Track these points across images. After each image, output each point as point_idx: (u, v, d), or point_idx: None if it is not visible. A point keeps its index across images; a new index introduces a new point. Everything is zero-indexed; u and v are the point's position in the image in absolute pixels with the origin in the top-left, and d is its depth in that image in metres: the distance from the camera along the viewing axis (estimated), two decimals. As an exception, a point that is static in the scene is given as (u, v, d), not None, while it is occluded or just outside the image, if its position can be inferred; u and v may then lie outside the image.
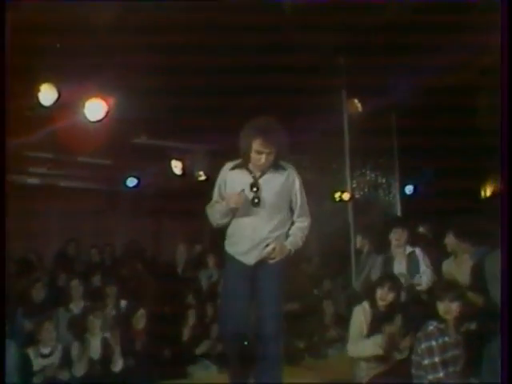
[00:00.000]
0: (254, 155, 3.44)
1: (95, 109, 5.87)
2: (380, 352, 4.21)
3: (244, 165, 3.55)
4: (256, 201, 3.51)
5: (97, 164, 7.95)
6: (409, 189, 8.10)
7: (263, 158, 3.42)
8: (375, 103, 5.64)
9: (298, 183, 3.65)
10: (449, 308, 3.85)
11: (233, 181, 3.57)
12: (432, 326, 3.89)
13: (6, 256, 3.44)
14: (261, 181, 3.52)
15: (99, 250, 7.47)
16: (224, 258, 3.70)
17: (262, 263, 3.58)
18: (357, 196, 5.32)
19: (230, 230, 3.66)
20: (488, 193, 8.50)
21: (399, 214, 5.63)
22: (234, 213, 3.55)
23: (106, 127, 6.14)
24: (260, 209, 3.52)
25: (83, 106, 5.82)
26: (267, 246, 3.55)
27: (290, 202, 3.64)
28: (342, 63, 5.37)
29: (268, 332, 3.61)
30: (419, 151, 6.73)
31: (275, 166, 3.55)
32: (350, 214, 5.22)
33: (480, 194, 8.47)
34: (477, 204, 7.76)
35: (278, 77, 5.47)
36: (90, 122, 5.92)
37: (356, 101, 5.55)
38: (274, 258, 3.54)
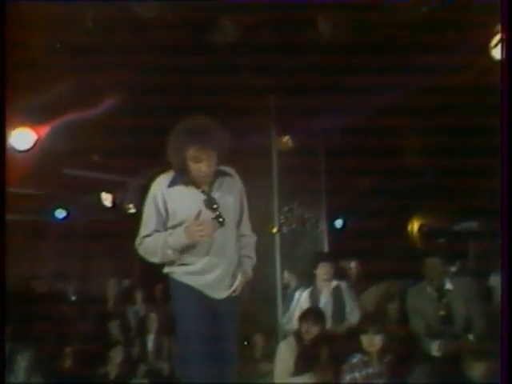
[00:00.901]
0: (192, 165, 2.81)
1: (23, 138, 5.72)
2: None
3: (185, 179, 2.89)
4: (221, 220, 2.88)
5: (24, 194, 7.70)
6: (339, 223, 8.31)
7: (203, 165, 2.80)
8: (304, 141, 5.79)
9: (243, 190, 3.09)
10: (372, 341, 3.96)
11: (179, 201, 2.88)
12: (356, 359, 4.00)
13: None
14: (213, 195, 2.92)
15: (25, 284, 7.19)
16: (172, 292, 2.99)
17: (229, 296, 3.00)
18: (285, 231, 5.39)
19: (186, 258, 2.94)
20: (414, 229, 8.83)
21: (327, 248, 5.75)
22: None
23: (35, 157, 5.98)
24: (223, 229, 2.90)
25: (10, 136, 5.66)
26: (233, 275, 2.99)
27: (237, 214, 3.05)
28: (273, 101, 5.50)
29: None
30: (348, 187, 6.95)
31: (221, 174, 2.98)
32: (277, 248, 5.28)
33: (406, 230, 8.79)
34: (403, 241, 8.05)
35: (209, 114, 5.53)
36: (18, 151, 5.76)
37: (286, 138, 5.69)
38: (236, 290, 3.00)
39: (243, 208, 3.08)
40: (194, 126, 2.84)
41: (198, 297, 2.94)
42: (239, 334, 3.15)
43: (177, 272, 2.97)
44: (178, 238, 2.81)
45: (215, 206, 2.88)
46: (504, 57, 2.60)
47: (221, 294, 2.97)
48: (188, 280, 2.94)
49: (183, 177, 2.88)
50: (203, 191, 2.90)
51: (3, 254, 3.22)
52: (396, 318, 4.73)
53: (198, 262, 2.92)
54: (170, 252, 2.85)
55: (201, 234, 2.75)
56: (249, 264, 3.10)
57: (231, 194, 2.98)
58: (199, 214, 2.77)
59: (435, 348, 4.32)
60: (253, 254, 3.13)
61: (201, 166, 2.80)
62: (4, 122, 3.64)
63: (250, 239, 3.14)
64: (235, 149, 2.92)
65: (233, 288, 2.99)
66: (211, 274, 2.92)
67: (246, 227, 3.12)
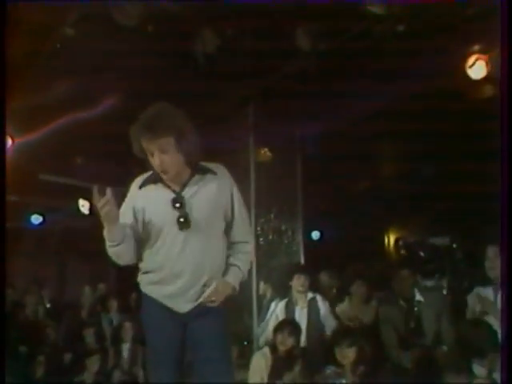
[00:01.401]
0: (150, 159, 2.54)
1: (-2, 143, 5.66)
2: None
3: (155, 178, 2.61)
4: (182, 220, 2.55)
5: (0, 199, 7.62)
6: (315, 234, 8.35)
7: (157, 159, 2.50)
8: (282, 151, 5.82)
9: (234, 190, 2.71)
10: (345, 353, 4.00)
11: (146, 201, 2.62)
12: (329, 370, 4.04)
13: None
14: (184, 194, 2.59)
15: (-1, 291, 7.08)
16: (141, 303, 2.76)
17: (198, 310, 2.62)
18: (261, 242, 5.40)
19: (148, 264, 2.66)
20: (391, 239, 8.92)
21: (303, 260, 5.77)
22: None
23: (12, 162, 5.92)
24: (190, 232, 2.57)
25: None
26: (205, 285, 2.61)
27: (226, 217, 2.69)
28: (251, 112, 5.52)
29: None
30: (325, 198, 7.00)
31: (199, 171, 2.63)
32: (253, 260, 5.28)
33: (383, 240, 8.88)
34: (379, 250, 8.13)
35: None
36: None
37: (265, 149, 5.72)
38: (214, 302, 2.61)
39: (234, 210, 2.70)
40: (145, 115, 2.55)
41: (162, 310, 2.66)
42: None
43: (142, 281, 2.73)
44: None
45: (178, 205, 2.55)
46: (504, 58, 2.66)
47: (183, 306, 2.63)
48: (149, 290, 2.70)
49: (154, 175, 2.61)
50: (174, 190, 2.60)
51: (3, 255, 3.18)
52: (369, 330, 4.76)
53: (161, 270, 2.62)
54: (107, 245, 2.54)
55: (100, 207, 2.40)
56: (234, 274, 2.70)
57: (209, 193, 2.61)
58: (99, 190, 2.39)
59: (406, 359, 4.37)
60: (242, 263, 2.74)
61: (155, 160, 2.50)
62: (4, 121, 3.59)
63: (243, 247, 2.76)
64: (212, 151, 2.82)
65: (199, 300, 2.61)
66: (173, 283, 2.60)
67: (240, 233, 2.74)
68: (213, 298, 2.61)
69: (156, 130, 2.47)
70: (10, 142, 5.76)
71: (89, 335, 6.14)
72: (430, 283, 6.16)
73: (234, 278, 2.70)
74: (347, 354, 4.01)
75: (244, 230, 2.78)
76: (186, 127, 2.54)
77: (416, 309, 4.59)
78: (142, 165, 2.63)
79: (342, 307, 5.42)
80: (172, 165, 2.52)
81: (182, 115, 2.57)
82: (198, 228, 2.58)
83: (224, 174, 2.71)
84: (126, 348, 5.96)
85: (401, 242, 8.47)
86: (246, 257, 2.78)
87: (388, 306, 4.77)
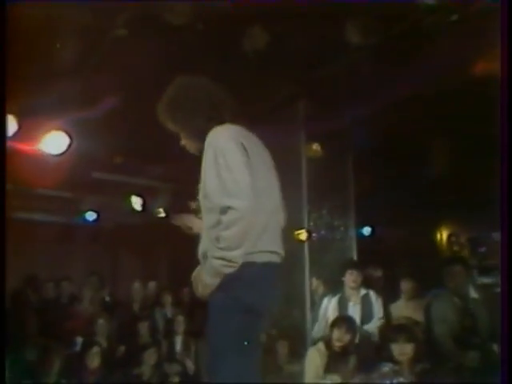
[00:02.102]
0: None
1: (56, 142, 5.82)
2: None
3: None
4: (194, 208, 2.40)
5: (56, 197, 7.85)
6: (367, 230, 8.26)
7: (183, 141, 2.48)
8: (334, 147, 5.78)
9: (210, 151, 2.26)
10: (403, 350, 3.93)
11: None
12: (387, 367, 3.98)
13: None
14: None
15: (56, 285, 7.31)
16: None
17: None
18: (314, 237, 5.38)
19: None
20: (443, 236, 8.73)
21: (355, 256, 5.72)
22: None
23: (67, 160, 6.09)
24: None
25: (44, 139, 5.77)
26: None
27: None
28: (302, 107, 5.51)
29: None
30: (377, 194, 6.91)
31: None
32: (305, 255, 5.28)
33: (435, 237, 8.70)
34: (431, 247, 7.98)
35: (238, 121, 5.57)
36: (51, 154, 5.87)
37: (316, 144, 5.68)
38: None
39: (208, 179, 2.25)
40: (165, 96, 2.48)
41: None
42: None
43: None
44: None
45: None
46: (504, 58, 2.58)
47: None
48: None
49: None
50: None
51: (3, 254, 3.28)
52: (425, 327, 4.68)
53: None
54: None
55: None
56: (207, 266, 2.23)
57: (205, 163, 2.27)
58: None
59: (462, 358, 4.27)
60: (219, 252, 2.15)
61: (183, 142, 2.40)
62: (4, 121, 3.69)
63: (222, 224, 2.15)
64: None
65: None
66: None
67: (221, 203, 2.17)
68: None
69: (171, 114, 2.41)
70: (67, 140, 5.89)
71: (143, 328, 6.27)
72: (487, 280, 6.01)
73: (206, 274, 2.21)
74: (404, 350, 3.94)
75: (227, 197, 2.14)
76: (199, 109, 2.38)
77: (471, 306, 4.48)
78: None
79: (395, 304, 5.37)
80: (192, 145, 2.46)
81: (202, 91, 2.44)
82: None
83: (209, 137, 2.32)
84: (178, 341, 6.09)
85: (453, 238, 8.27)
86: (224, 241, 2.13)
87: (442, 304, 4.67)
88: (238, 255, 2.13)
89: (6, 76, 3.30)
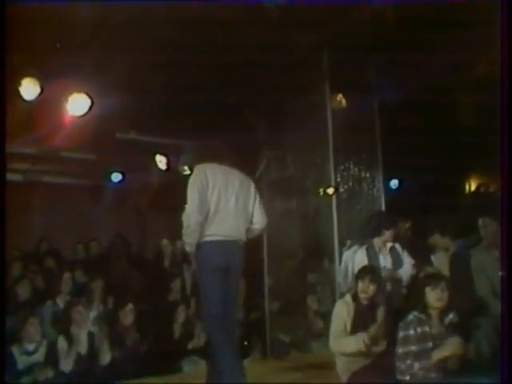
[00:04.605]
0: None
1: (79, 104, 5.80)
2: (363, 349, 4.23)
3: None
4: None
5: (81, 159, 7.88)
6: (394, 183, 8.17)
7: None
8: (359, 98, 5.66)
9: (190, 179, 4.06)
10: (439, 296, 3.88)
11: None
12: (412, 316, 3.96)
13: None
14: None
15: (85, 246, 7.43)
16: None
17: None
18: (341, 190, 5.32)
19: None
20: (472, 188, 8.59)
21: (383, 208, 5.64)
22: None
23: (90, 122, 6.09)
24: None
25: (66, 101, 5.76)
26: None
27: None
28: (325, 59, 5.38)
29: None
30: (403, 146, 6.79)
31: None
32: (333, 208, 5.24)
33: (464, 189, 8.57)
34: (460, 200, 7.86)
35: (262, 74, 5.51)
36: (74, 116, 5.87)
37: (339, 96, 5.57)
38: None
39: None
40: None
41: None
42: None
43: None
44: None
45: None
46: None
47: None
48: None
49: None
50: None
51: (3, 253, 3.32)
52: (460, 279, 4.63)
53: None
54: None
55: None
56: None
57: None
58: None
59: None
60: None
61: None
62: (4, 120, 3.68)
63: None
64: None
65: None
66: None
67: None
68: None
69: None
70: (88, 102, 5.86)
71: (173, 286, 6.36)
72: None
73: None
74: (441, 296, 3.89)
75: None
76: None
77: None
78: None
79: (422, 257, 5.33)
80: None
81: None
82: None
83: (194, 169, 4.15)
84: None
85: (483, 189, 8.12)
86: None
87: (479, 254, 4.60)
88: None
89: (5, 76, 3.27)
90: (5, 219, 3.22)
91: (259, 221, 4.21)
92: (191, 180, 3.95)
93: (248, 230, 4.15)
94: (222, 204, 3.97)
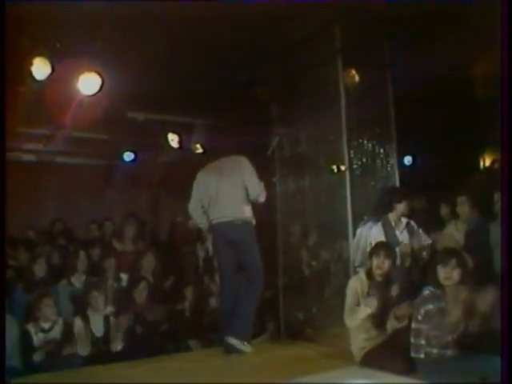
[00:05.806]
0: None
1: (90, 83, 5.77)
2: (369, 311, 4.23)
3: None
4: None
5: (93, 139, 7.88)
6: (408, 159, 8.11)
7: None
8: (372, 73, 5.58)
9: None
10: (450, 274, 3.87)
11: None
12: (428, 291, 3.95)
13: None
14: None
15: (98, 226, 7.47)
16: None
17: None
18: (354, 166, 5.27)
19: None
20: (486, 163, 8.48)
21: (397, 184, 5.58)
22: None
23: (101, 101, 6.06)
24: None
25: (77, 80, 5.74)
26: None
27: None
28: (337, 34, 5.29)
29: None
30: (417, 122, 6.71)
31: None
32: (347, 184, 5.19)
33: (478, 165, 8.47)
34: (475, 175, 7.76)
35: (274, 50, 5.44)
36: (85, 95, 5.85)
37: (352, 71, 5.48)
38: None
39: None
40: None
41: None
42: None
43: None
44: None
45: None
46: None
47: None
48: None
49: None
50: None
51: (3, 252, 3.33)
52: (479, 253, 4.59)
53: None
54: None
55: None
56: None
57: None
58: None
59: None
60: None
61: None
62: (4, 119, 3.66)
63: None
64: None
65: None
66: None
67: None
68: None
69: None
70: (99, 81, 5.83)
71: (186, 264, 6.39)
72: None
73: None
74: (451, 274, 3.88)
75: None
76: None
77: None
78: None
79: (436, 234, 5.30)
80: None
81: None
82: None
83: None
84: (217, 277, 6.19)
85: (497, 165, 8.01)
86: None
87: (498, 229, 4.53)
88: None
89: (4, 72, 3.24)
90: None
91: (252, 192, 4.93)
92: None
93: (251, 203, 4.99)
94: (219, 194, 4.93)
